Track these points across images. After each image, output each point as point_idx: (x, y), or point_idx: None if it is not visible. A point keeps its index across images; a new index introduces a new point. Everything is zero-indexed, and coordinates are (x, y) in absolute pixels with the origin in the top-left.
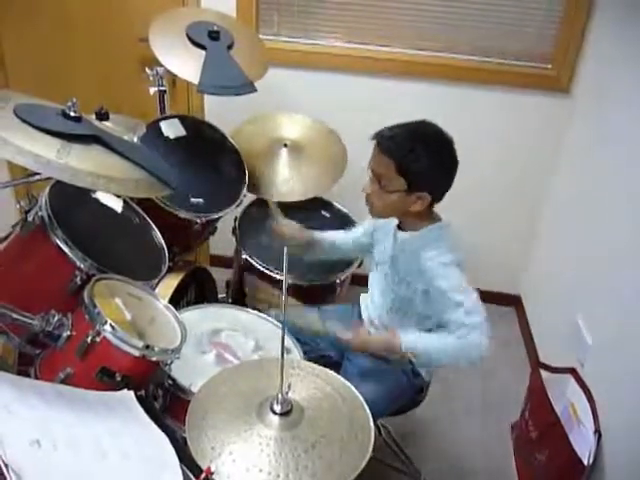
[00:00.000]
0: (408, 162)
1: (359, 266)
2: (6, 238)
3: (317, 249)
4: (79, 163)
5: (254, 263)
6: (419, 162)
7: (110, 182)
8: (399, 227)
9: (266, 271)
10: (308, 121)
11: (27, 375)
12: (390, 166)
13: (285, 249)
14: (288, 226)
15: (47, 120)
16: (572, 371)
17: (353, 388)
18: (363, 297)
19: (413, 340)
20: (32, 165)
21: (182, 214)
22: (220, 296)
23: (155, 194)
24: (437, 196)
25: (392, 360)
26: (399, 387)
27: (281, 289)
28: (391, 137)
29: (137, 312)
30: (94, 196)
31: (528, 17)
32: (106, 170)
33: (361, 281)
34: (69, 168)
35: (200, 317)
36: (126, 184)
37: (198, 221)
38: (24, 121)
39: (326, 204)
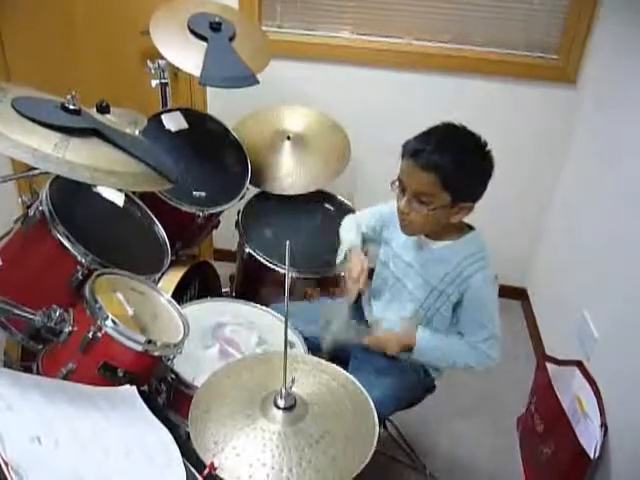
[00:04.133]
0: (453, 175)
1: None
2: (8, 233)
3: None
4: (77, 157)
5: (257, 257)
6: (464, 173)
7: (108, 176)
8: (427, 235)
9: (269, 265)
10: (311, 114)
11: (30, 370)
12: (433, 183)
13: (288, 242)
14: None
15: (46, 113)
16: (578, 364)
17: (357, 382)
18: (365, 298)
19: (429, 335)
20: (29, 159)
21: (184, 208)
22: (223, 290)
23: (155, 188)
24: (477, 201)
25: (400, 357)
26: (409, 386)
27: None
28: (428, 151)
29: (139, 307)
30: (95, 190)
31: (535, 7)
32: (105, 164)
33: None
34: (66, 162)
35: (203, 311)
36: (125, 177)
37: (201, 215)
38: (22, 114)
39: (329, 197)
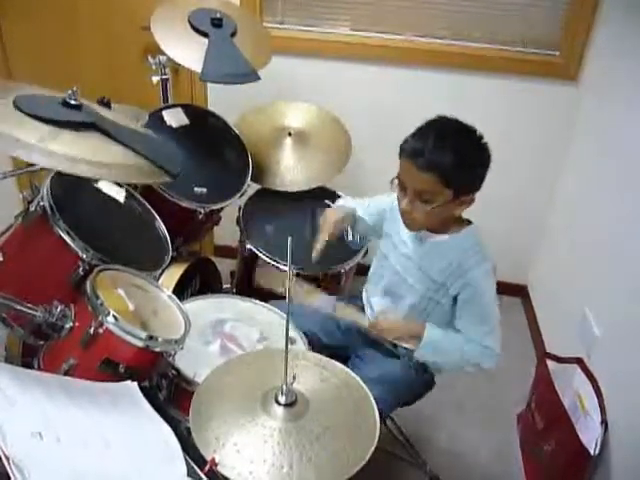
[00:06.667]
0: (454, 173)
1: (364, 256)
2: (9, 229)
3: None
4: (70, 149)
5: (258, 253)
6: (465, 170)
7: (100, 168)
8: (427, 229)
9: (271, 262)
10: (313, 110)
11: (31, 366)
12: (434, 181)
13: (289, 239)
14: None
15: (46, 109)
16: (579, 361)
17: (358, 379)
18: (366, 291)
19: (438, 330)
20: (17, 152)
21: (185, 204)
22: (224, 286)
23: (152, 181)
24: (477, 192)
25: (401, 354)
26: (408, 383)
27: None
28: (427, 151)
29: (140, 303)
30: (96, 186)
31: (536, 2)
32: (98, 156)
33: (366, 272)
34: (53, 154)
35: (204, 307)
36: (119, 170)
37: (202, 211)
38: (22, 111)
39: (330, 193)
